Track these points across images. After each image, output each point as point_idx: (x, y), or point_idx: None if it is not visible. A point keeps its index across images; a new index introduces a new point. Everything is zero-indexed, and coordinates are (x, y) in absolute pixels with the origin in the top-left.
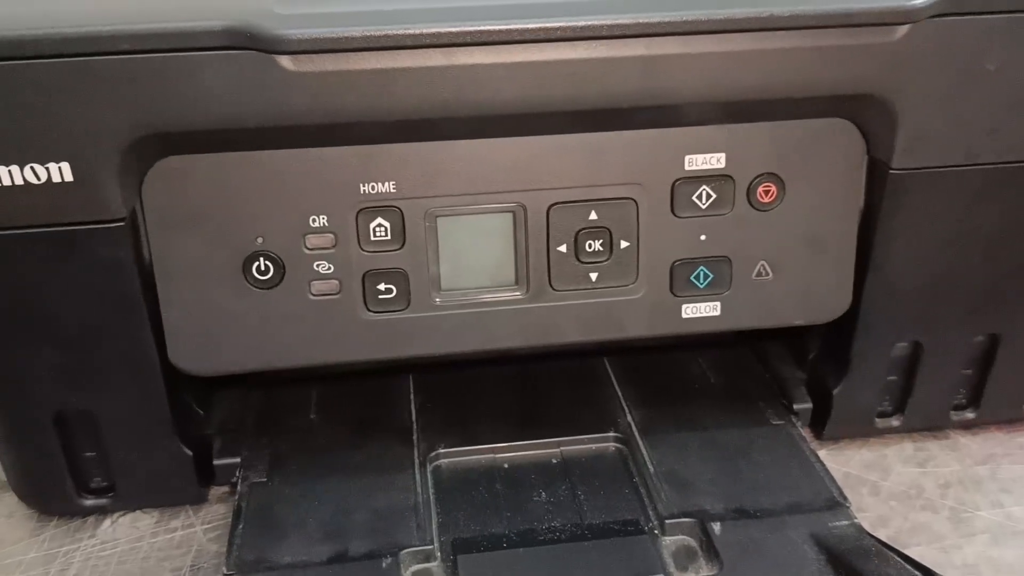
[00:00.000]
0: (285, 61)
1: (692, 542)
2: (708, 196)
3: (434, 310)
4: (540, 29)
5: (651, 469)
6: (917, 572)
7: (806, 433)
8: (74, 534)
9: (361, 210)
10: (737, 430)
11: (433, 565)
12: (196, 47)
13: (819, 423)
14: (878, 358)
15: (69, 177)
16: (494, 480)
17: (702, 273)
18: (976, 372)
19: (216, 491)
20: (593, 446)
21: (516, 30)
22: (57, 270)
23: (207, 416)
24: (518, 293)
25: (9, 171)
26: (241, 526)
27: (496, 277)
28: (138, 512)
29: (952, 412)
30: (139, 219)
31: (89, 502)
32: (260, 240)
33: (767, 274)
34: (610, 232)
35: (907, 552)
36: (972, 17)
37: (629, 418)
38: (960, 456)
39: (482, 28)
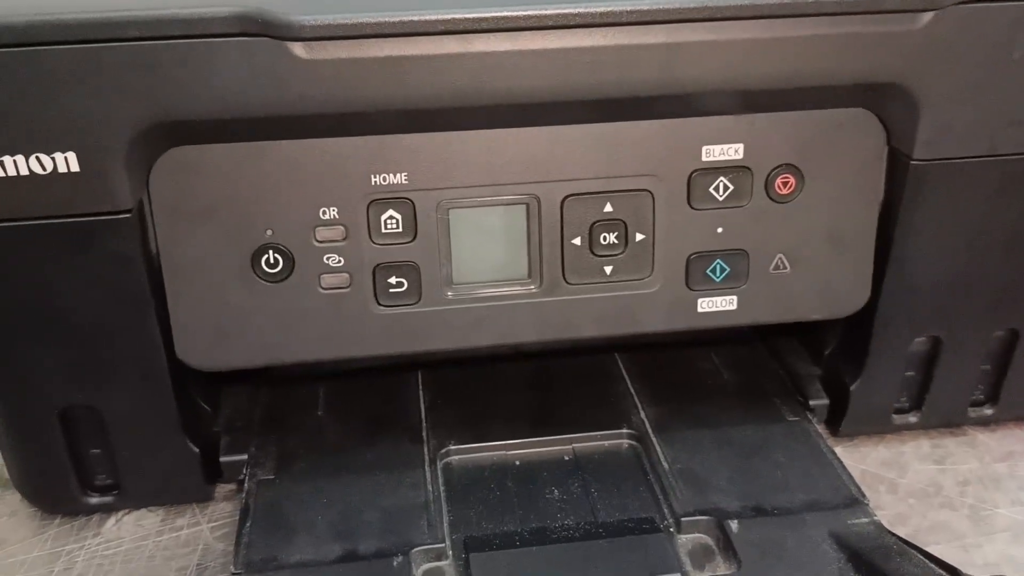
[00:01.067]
0: (298, 48)
1: (709, 540)
2: (725, 188)
3: (446, 304)
4: (558, 15)
5: (666, 467)
6: (942, 571)
7: (822, 430)
8: (78, 533)
9: (372, 202)
10: (753, 427)
11: (444, 564)
12: (206, 34)
13: (835, 420)
14: (896, 353)
15: (75, 167)
16: (506, 477)
17: (719, 266)
18: (995, 368)
19: (223, 489)
20: (606, 443)
21: (534, 16)
22: (63, 262)
23: (214, 413)
24: (531, 287)
25: (14, 161)
26: (248, 524)
27: (509, 270)
28: (143, 510)
29: (970, 408)
30: (146, 211)
31: (94, 500)
32: (269, 233)
33: (785, 267)
34: (625, 224)
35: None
36: (998, 4)
37: (643, 415)
38: (979, 453)
39: (499, 14)
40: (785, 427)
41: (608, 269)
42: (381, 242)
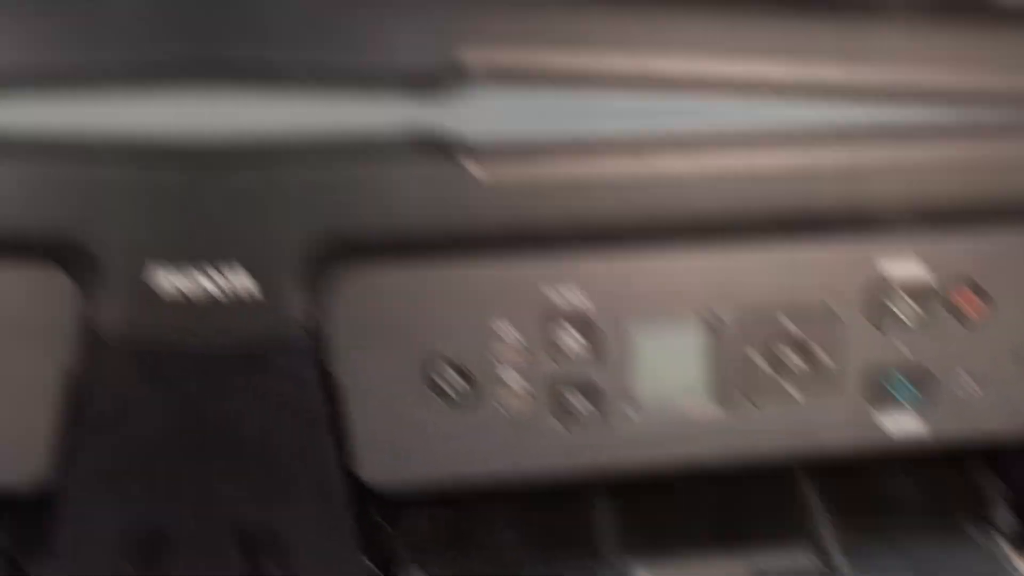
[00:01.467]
0: (476, 169)
1: None
2: (908, 306)
3: (629, 424)
4: (746, 134)
5: None
6: None
7: (1010, 552)
8: None
9: (551, 320)
10: (937, 549)
11: None
12: (381, 157)
13: None
14: None
15: (254, 290)
16: None
17: (903, 386)
18: None
19: None
20: (789, 562)
21: (728, 134)
22: (238, 384)
23: (394, 531)
24: (714, 406)
25: (190, 280)
26: None
27: (691, 390)
28: None
29: None
30: (322, 332)
31: None
32: (446, 351)
33: (972, 387)
34: (806, 342)
35: None
36: None
37: (826, 534)
38: None
39: (684, 131)
40: (972, 549)
41: (790, 388)
42: (561, 361)
